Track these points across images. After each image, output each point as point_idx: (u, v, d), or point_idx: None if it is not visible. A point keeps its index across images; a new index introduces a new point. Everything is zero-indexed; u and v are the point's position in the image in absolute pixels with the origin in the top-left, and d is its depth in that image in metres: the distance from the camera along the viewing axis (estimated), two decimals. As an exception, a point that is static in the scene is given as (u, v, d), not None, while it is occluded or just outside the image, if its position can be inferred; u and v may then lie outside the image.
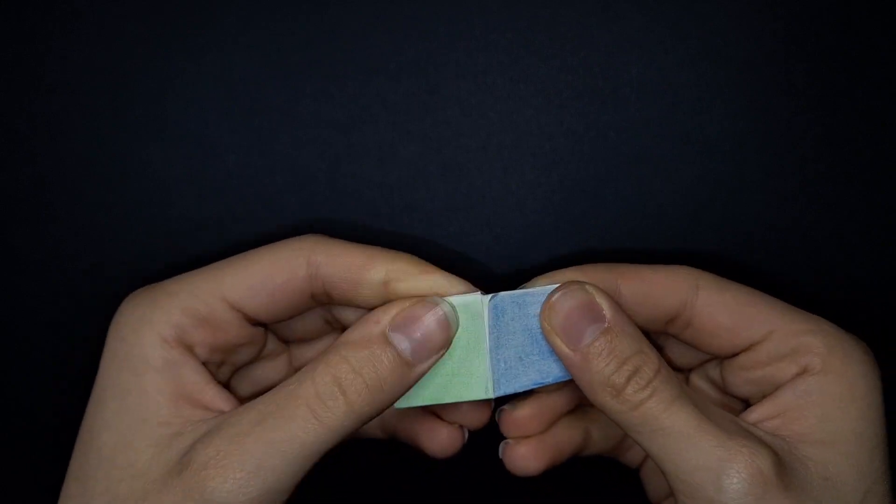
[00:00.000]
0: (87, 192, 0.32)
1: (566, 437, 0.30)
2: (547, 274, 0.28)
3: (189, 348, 0.26)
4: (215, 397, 0.26)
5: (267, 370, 0.30)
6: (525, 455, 0.29)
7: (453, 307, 0.26)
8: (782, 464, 0.24)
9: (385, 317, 0.25)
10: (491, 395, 0.26)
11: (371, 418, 0.24)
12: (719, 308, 0.27)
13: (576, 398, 0.30)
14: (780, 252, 0.32)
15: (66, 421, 0.28)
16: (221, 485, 0.23)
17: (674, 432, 0.24)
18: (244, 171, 0.31)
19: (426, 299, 0.26)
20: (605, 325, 0.25)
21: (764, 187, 0.31)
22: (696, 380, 0.30)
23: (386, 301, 0.26)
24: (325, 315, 0.30)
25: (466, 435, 0.30)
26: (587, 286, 0.26)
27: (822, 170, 0.31)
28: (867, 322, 0.32)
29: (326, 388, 0.24)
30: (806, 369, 0.26)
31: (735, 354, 0.28)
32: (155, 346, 0.26)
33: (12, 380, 0.34)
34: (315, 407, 0.24)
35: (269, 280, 0.27)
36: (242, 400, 0.27)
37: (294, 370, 0.30)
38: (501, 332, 0.27)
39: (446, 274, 0.26)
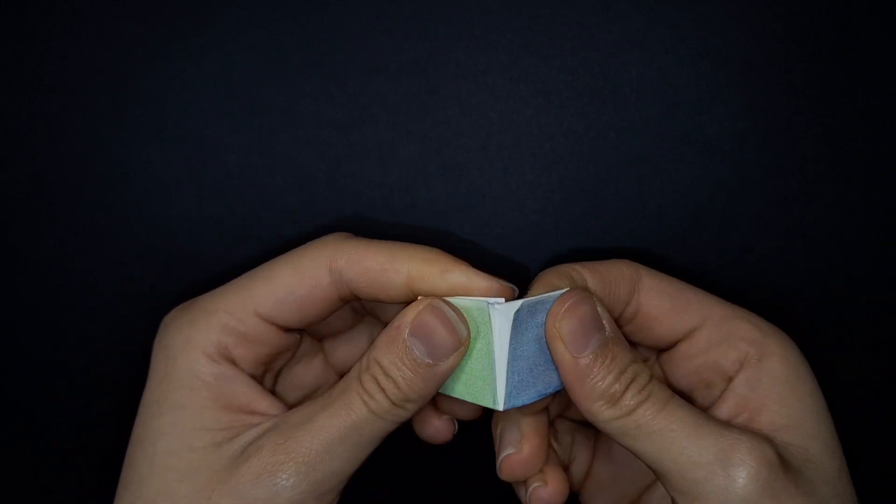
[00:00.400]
0: (87, 192, 0.32)
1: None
2: (539, 279, 0.27)
3: (234, 362, 0.28)
4: (266, 404, 0.27)
5: (305, 370, 0.31)
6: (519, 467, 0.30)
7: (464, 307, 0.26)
8: (780, 452, 0.25)
9: (404, 322, 0.26)
10: (499, 408, 0.26)
11: (418, 408, 0.27)
12: (661, 294, 0.28)
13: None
14: (780, 252, 0.32)
15: (66, 421, 0.28)
16: (291, 469, 0.25)
17: (672, 431, 0.25)
18: (244, 171, 0.31)
19: (433, 303, 0.26)
20: (607, 334, 0.26)
21: (764, 187, 0.31)
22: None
23: (411, 297, 0.27)
24: (354, 306, 0.31)
25: (456, 426, 0.30)
26: (591, 297, 0.26)
27: (822, 170, 0.31)
28: (867, 322, 0.32)
29: (370, 385, 0.26)
30: (746, 358, 0.27)
31: (675, 344, 0.29)
32: (203, 363, 0.27)
33: (12, 380, 0.34)
34: (365, 398, 0.26)
35: (294, 291, 0.27)
36: (289, 404, 0.29)
37: (330, 366, 0.32)
38: (519, 341, 0.26)
39: (467, 270, 0.27)
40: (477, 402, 0.27)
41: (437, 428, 0.30)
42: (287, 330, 0.28)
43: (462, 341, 0.26)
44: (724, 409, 0.27)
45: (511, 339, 0.26)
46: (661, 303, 0.28)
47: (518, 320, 0.26)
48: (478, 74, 0.31)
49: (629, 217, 0.31)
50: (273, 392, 0.30)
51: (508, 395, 0.26)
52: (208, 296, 0.28)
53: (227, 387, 0.27)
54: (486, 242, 0.32)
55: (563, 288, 0.27)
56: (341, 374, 0.31)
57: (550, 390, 0.27)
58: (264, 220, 0.32)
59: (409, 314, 0.26)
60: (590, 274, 0.28)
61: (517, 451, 0.29)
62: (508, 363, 0.26)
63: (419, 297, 0.27)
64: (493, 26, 0.30)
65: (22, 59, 0.31)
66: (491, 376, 0.26)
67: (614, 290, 0.28)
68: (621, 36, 0.30)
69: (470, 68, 0.30)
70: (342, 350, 0.32)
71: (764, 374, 0.27)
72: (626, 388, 0.25)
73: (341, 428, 0.26)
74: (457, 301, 0.26)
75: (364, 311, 0.31)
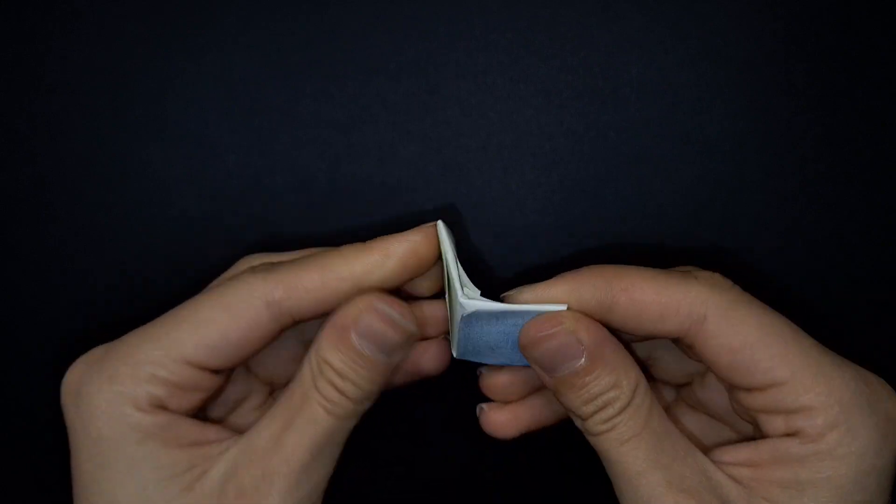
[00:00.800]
0: (87, 192, 0.32)
1: (543, 408, 0.29)
2: (541, 284, 0.26)
3: (168, 410, 0.26)
4: (215, 432, 0.26)
5: (232, 388, 0.29)
6: (499, 421, 0.29)
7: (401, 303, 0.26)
8: None
9: (347, 322, 0.25)
10: (454, 355, 0.27)
11: (378, 395, 0.26)
12: (722, 346, 0.25)
13: None
14: (780, 252, 0.32)
15: (63, 423, 0.28)
16: (277, 496, 0.25)
17: (620, 469, 0.25)
18: (244, 171, 0.31)
19: (375, 304, 0.25)
20: (580, 362, 0.25)
21: (764, 187, 0.31)
22: (699, 388, 0.29)
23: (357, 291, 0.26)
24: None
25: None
26: (567, 323, 0.25)
27: (822, 170, 0.31)
28: (867, 322, 0.32)
29: (328, 391, 0.25)
30: (798, 433, 0.24)
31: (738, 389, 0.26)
32: (139, 416, 0.25)
33: (12, 380, 0.34)
34: (327, 406, 0.25)
35: (228, 335, 0.25)
36: (231, 421, 0.28)
37: (254, 375, 0.30)
38: (474, 331, 0.26)
39: (398, 239, 0.26)
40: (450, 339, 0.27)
41: (434, 353, 0.29)
42: (220, 371, 0.27)
43: (411, 335, 0.26)
44: (735, 453, 0.25)
45: (462, 329, 0.26)
46: (721, 358, 0.25)
47: (475, 318, 0.26)
48: (478, 74, 0.31)
49: (629, 217, 0.31)
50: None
51: (462, 351, 0.27)
52: (123, 345, 0.26)
53: (172, 430, 0.25)
54: (486, 242, 0.32)
55: (558, 301, 0.26)
56: (268, 382, 0.30)
57: (516, 364, 0.27)
58: (264, 220, 0.32)
59: (351, 313, 0.25)
60: (626, 299, 0.25)
61: (490, 373, 0.29)
62: (462, 337, 0.26)
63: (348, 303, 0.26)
64: (493, 26, 0.30)
65: (22, 59, 0.31)
66: (454, 327, 0.26)
67: (653, 324, 0.25)
68: (621, 36, 0.30)
69: (470, 68, 0.30)
70: (268, 363, 0.30)
71: (796, 455, 0.24)
72: (594, 413, 0.25)
73: (313, 443, 0.25)
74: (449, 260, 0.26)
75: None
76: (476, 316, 0.26)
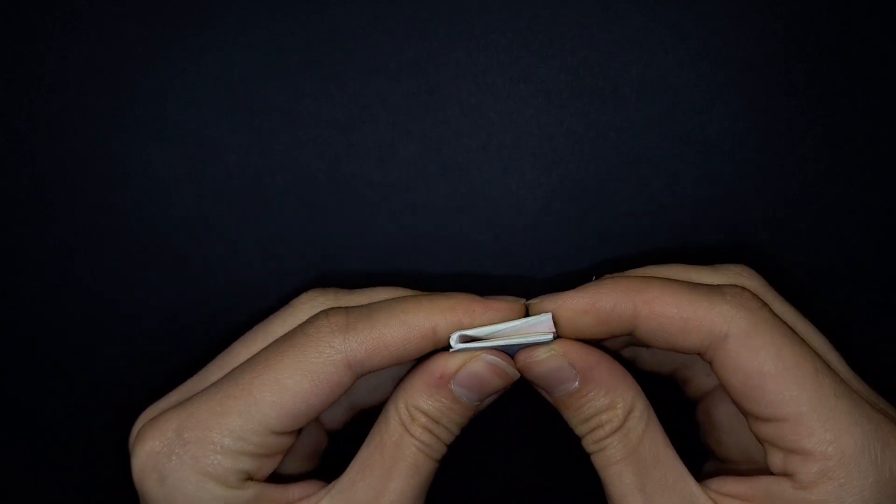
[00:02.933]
0: (87, 192, 0.32)
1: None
2: (563, 294, 0.26)
3: (253, 478, 0.26)
4: (298, 492, 0.26)
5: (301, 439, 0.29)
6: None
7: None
8: None
9: (447, 371, 0.25)
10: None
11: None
12: (738, 368, 0.24)
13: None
14: (779, 252, 0.32)
15: (65, 422, 0.28)
16: None
17: (608, 490, 0.25)
18: (244, 171, 0.31)
19: (486, 358, 0.26)
20: (575, 385, 0.25)
21: (764, 187, 0.31)
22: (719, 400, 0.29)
23: (434, 346, 0.26)
24: None
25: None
26: (555, 351, 0.25)
27: (822, 170, 0.31)
28: (867, 322, 0.32)
29: (424, 436, 0.25)
30: (793, 476, 0.24)
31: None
32: (230, 494, 0.25)
33: (12, 380, 0.34)
34: (425, 450, 0.26)
35: (310, 401, 0.25)
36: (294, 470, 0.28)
37: (322, 425, 0.30)
38: None
39: (486, 304, 0.26)
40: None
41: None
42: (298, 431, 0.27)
43: (511, 380, 0.26)
44: (732, 486, 0.25)
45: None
46: (732, 381, 0.24)
47: None
48: (478, 74, 0.31)
49: (629, 217, 0.31)
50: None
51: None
52: (201, 413, 0.25)
53: (261, 499, 0.25)
54: (486, 242, 0.32)
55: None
56: (331, 432, 0.30)
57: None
58: (264, 220, 0.32)
59: (452, 363, 0.25)
60: (647, 312, 0.25)
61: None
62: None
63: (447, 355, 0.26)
64: (493, 26, 0.30)
65: (22, 59, 0.31)
66: None
67: (671, 340, 0.25)
68: (621, 36, 0.30)
69: (470, 68, 0.30)
70: (334, 415, 0.30)
71: (788, 499, 0.24)
72: (587, 433, 0.25)
73: (415, 488, 0.25)
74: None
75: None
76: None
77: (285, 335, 0.26)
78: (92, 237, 0.32)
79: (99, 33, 0.30)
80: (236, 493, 0.25)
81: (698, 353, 0.25)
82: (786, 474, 0.24)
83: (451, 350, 0.25)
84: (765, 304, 0.25)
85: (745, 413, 0.25)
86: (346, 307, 0.26)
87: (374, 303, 0.26)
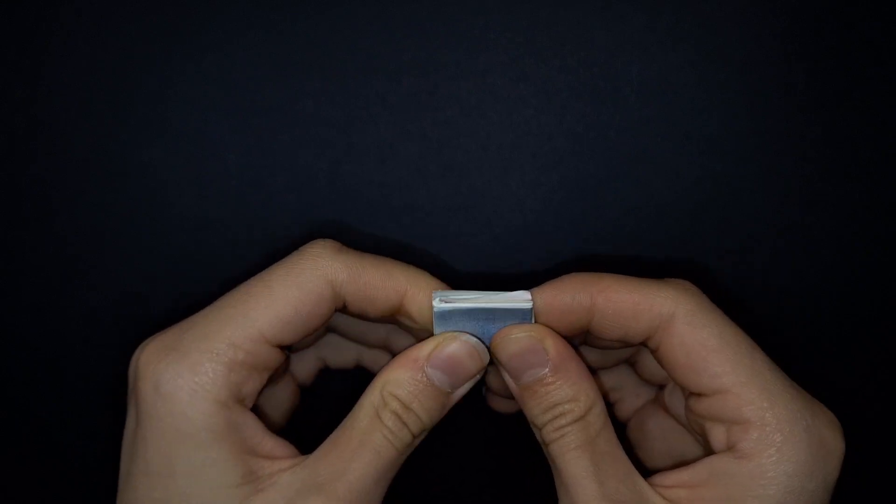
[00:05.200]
0: (87, 192, 0.32)
1: None
2: (536, 290, 0.27)
3: (242, 401, 0.26)
4: (273, 446, 0.27)
5: (281, 388, 0.31)
6: (503, 403, 0.31)
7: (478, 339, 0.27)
8: None
9: (422, 354, 0.27)
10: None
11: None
12: (682, 346, 0.26)
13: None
14: (779, 252, 0.32)
15: (65, 422, 0.28)
16: None
17: (562, 475, 0.26)
18: (244, 171, 0.31)
19: (461, 337, 0.27)
20: (545, 371, 0.26)
21: (764, 187, 0.31)
22: (669, 395, 0.30)
23: (394, 314, 0.28)
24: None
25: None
26: (534, 333, 0.26)
27: (822, 170, 0.31)
28: (867, 322, 0.32)
29: (392, 422, 0.26)
30: (733, 448, 0.25)
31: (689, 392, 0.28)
32: (216, 413, 0.25)
33: (12, 380, 0.34)
34: (391, 438, 0.26)
35: (300, 309, 0.26)
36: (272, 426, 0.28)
37: (294, 380, 0.31)
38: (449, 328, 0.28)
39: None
40: None
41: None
42: (283, 347, 0.28)
43: (483, 367, 0.27)
44: (675, 476, 0.26)
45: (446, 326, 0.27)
46: (678, 357, 0.26)
47: (445, 316, 0.27)
48: (478, 74, 0.31)
49: (629, 217, 0.31)
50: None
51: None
52: (199, 327, 0.26)
53: (239, 434, 0.26)
54: (486, 242, 0.32)
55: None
56: (302, 386, 0.32)
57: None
58: (264, 220, 0.32)
59: (426, 347, 0.27)
60: (603, 299, 0.26)
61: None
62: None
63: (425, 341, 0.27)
64: (493, 26, 0.30)
65: (22, 59, 0.31)
66: None
67: (625, 322, 0.27)
68: (621, 36, 0.30)
69: (470, 68, 0.30)
70: (305, 365, 0.32)
71: (728, 472, 0.25)
72: (548, 422, 0.26)
73: (376, 473, 0.26)
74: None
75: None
76: (450, 314, 0.27)
77: (281, 260, 0.28)
78: (92, 237, 0.32)
79: (99, 33, 0.30)
80: (222, 412, 0.25)
81: (645, 342, 0.27)
82: (727, 448, 0.26)
83: (434, 310, 0.27)
84: (703, 294, 0.27)
85: (689, 390, 0.27)
86: (343, 245, 0.28)
87: (369, 254, 0.28)
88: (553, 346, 0.26)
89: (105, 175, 0.31)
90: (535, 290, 0.27)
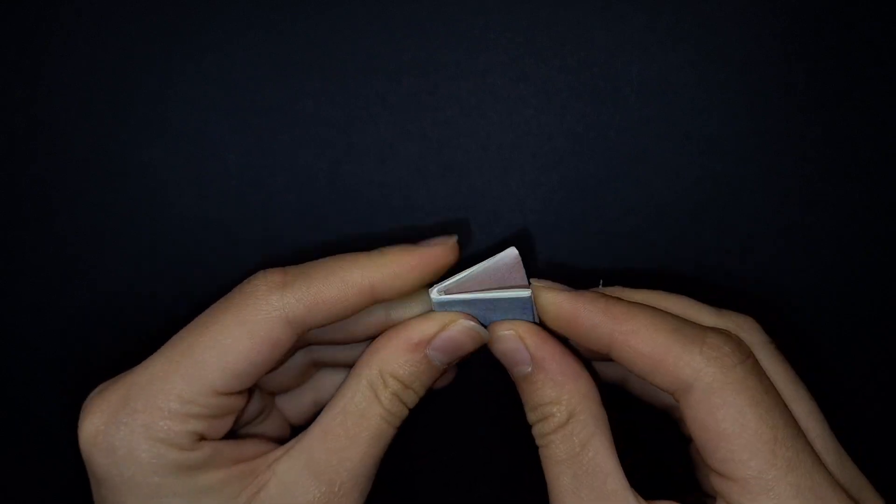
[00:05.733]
0: (87, 192, 0.32)
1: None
2: (555, 286, 0.27)
3: (210, 438, 0.26)
4: (255, 446, 0.27)
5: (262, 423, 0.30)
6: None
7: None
8: None
9: (424, 336, 0.27)
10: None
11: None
12: (695, 420, 0.24)
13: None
14: (779, 252, 0.32)
15: (65, 421, 0.28)
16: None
17: (548, 487, 0.26)
18: (244, 171, 0.31)
19: (464, 324, 0.27)
20: (529, 369, 0.26)
21: (764, 187, 0.31)
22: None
23: (368, 306, 0.26)
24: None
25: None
26: (518, 330, 0.26)
27: (822, 170, 0.31)
28: (867, 322, 0.32)
29: (391, 403, 0.26)
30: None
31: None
32: (185, 455, 0.25)
33: (12, 380, 0.34)
34: (388, 419, 0.26)
35: (254, 359, 0.25)
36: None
37: (283, 415, 0.31)
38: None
39: (424, 252, 0.27)
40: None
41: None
42: (243, 391, 0.26)
43: (482, 343, 0.27)
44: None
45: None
46: (692, 428, 0.24)
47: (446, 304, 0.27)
48: (478, 74, 0.31)
49: (629, 217, 0.31)
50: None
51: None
52: (145, 381, 0.25)
53: (216, 457, 0.25)
54: (487, 242, 0.32)
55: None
56: (280, 391, 0.30)
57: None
58: (264, 220, 0.32)
59: (429, 328, 0.27)
60: (618, 344, 0.25)
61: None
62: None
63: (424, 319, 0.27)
64: (493, 26, 0.30)
65: (22, 59, 0.31)
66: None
67: (637, 370, 0.25)
68: (621, 36, 0.30)
69: (470, 68, 0.30)
70: (296, 406, 0.31)
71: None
72: (536, 421, 0.26)
73: (376, 455, 0.26)
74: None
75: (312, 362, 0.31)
76: (450, 305, 0.27)
77: (224, 297, 0.26)
78: (92, 237, 0.32)
79: (99, 33, 0.30)
80: (190, 455, 0.24)
81: (671, 392, 0.25)
82: None
83: (433, 301, 0.27)
84: (746, 362, 0.24)
85: (702, 461, 0.25)
86: (284, 268, 0.26)
87: (313, 262, 0.26)
88: (532, 345, 0.26)
89: (105, 175, 0.31)
90: (569, 294, 0.26)
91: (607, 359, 0.26)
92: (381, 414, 0.26)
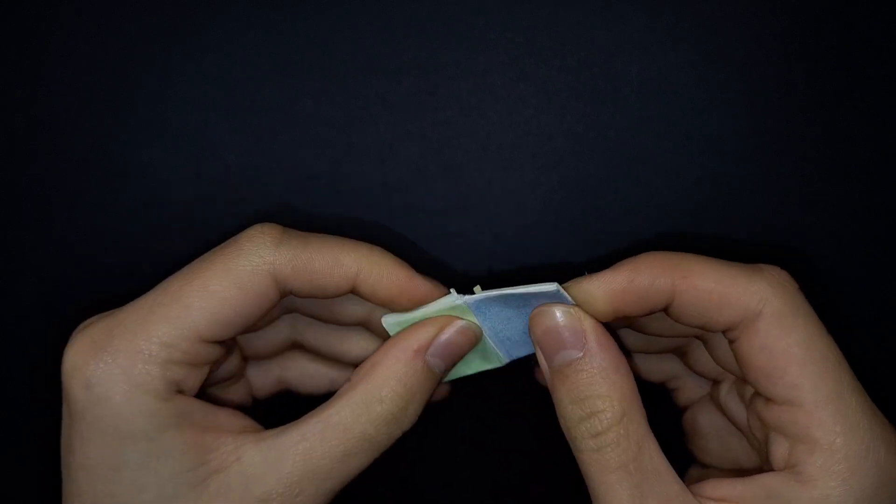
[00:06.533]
0: (87, 192, 0.32)
1: None
2: (602, 273, 0.25)
3: (183, 392, 0.25)
4: (231, 420, 0.26)
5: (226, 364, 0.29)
6: None
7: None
8: None
9: (422, 345, 0.26)
10: (505, 361, 0.28)
11: None
12: (764, 347, 0.24)
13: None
14: (779, 252, 0.32)
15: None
16: None
17: (599, 500, 0.24)
18: (244, 171, 0.31)
19: (462, 325, 0.26)
20: (579, 355, 0.24)
21: (764, 187, 0.31)
22: (725, 394, 0.29)
23: (349, 292, 0.27)
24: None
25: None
26: (574, 310, 0.25)
27: (822, 170, 0.31)
28: (867, 322, 0.32)
29: (381, 426, 0.25)
30: (795, 469, 0.24)
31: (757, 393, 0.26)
32: (156, 408, 0.24)
33: (12, 380, 0.34)
34: (370, 439, 0.25)
35: (240, 310, 0.25)
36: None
37: (241, 353, 0.30)
38: (495, 321, 0.27)
39: (409, 272, 0.27)
40: (481, 370, 0.28)
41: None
42: (223, 342, 0.26)
43: (477, 340, 0.27)
44: (729, 488, 0.24)
45: (482, 322, 0.27)
46: (755, 360, 0.24)
47: (482, 309, 0.27)
48: (478, 74, 0.31)
49: (629, 217, 0.31)
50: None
51: (508, 352, 0.28)
52: (131, 323, 0.24)
53: (188, 417, 0.25)
54: (486, 242, 0.32)
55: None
56: (255, 357, 0.30)
57: None
58: (264, 220, 0.32)
59: (426, 333, 0.26)
60: (686, 284, 0.24)
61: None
62: (489, 337, 0.27)
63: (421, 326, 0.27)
64: (493, 26, 0.30)
65: (22, 59, 0.31)
66: (489, 344, 0.28)
67: (706, 312, 0.24)
68: (621, 36, 0.30)
69: (470, 68, 0.30)
70: (259, 343, 0.30)
71: (789, 498, 0.23)
72: (580, 421, 0.24)
73: (349, 472, 0.25)
74: (430, 308, 0.27)
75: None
76: (481, 307, 0.26)
77: (220, 245, 0.26)
78: (92, 237, 0.32)
79: (99, 33, 0.30)
80: (163, 405, 0.24)
81: (726, 331, 0.25)
82: (788, 467, 0.24)
83: (450, 305, 0.26)
84: (800, 290, 0.25)
85: (761, 394, 0.25)
86: (285, 227, 0.26)
87: (314, 233, 0.27)
88: (593, 329, 0.24)
89: (105, 175, 0.31)
90: (609, 272, 0.25)
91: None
92: (363, 434, 0.25)
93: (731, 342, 0.25)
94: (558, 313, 0.25)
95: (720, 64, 0.30)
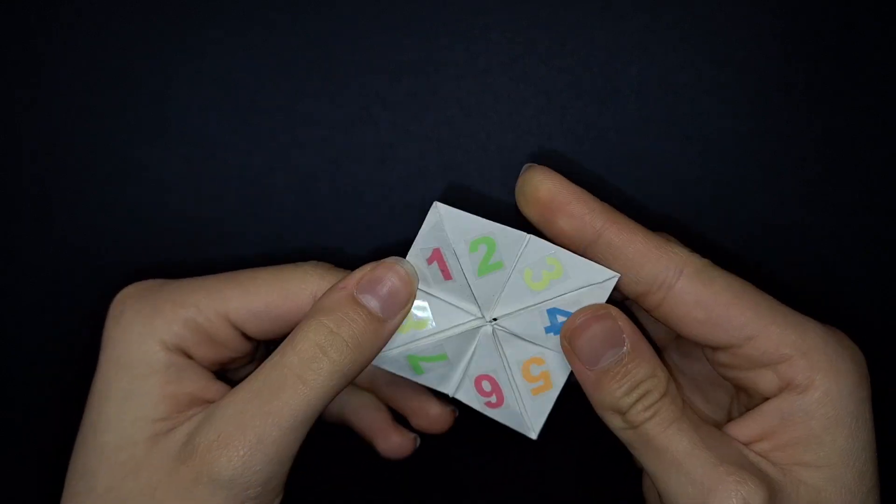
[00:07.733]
0: (87, 192, 0.32)
1: None
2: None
3: (189, 356, 0.27)
4: (218, 393, 0.27)
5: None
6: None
7: (412, 266, 0.27)
8: (773, 493, 0.24)
9: (350, 282, 0.26)
10: (451, 395, 0.28)
11: (354, 376, 0.26)
12: (697, 302, 0.25)
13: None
14: (779, 252, 0.32)
15: (66, 420, 0.28)
16: (227, 463, 0.24)
17: (667, 455, 0.25)
18: (244, 171, 0.31)
19: (385, 261, 0.27)
20: (625, 349, 0.25)
21: (764, 187, 0.31)
22: (674, 355, 0.30)
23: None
24: None
25: (418, 442, 0.31)
26: (611, 310, 0.26)
27: (822, 170, 0.31)
28: (868, 322, 0.32)
29: (309, 352, 0.25)
30: (789, 385, 0.25)
31: (712, 348, 0.27)
32: (158, 352, 0.27)
33: (12, 380, 0.34)
34: (301, 373, 0.25)
35: (273, 308, 0.27)
36: None
37: None
38: (479, 359, 0.28)
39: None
40: (428, 385, 0.28)
41: (398, 443, 0.31)
42: (251, 338, 0.28)
43: (413, 296, 0.27)
44: (743, 428, 0.26)
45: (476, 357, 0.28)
46: (694, 313, 0.26)
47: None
48: (478, 74, 0.31)
49: (629, 217, 0.31)
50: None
51: (464, 391, 0.28)
52: (178, 285, 0.28)
53: (177, 376, 0.27)
54: (486, 242, 0.32)
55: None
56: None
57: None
58: (264, 220, 0.32)
59: (356, 273, 0.26)
60: (611, 236, 0.26)
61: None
62: (463, 368, 0.28)
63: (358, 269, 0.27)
64: (493, 26, 0.30)
65: (22, 59, 0.31)
66: (457, 374, 0.28)
67: (630, 264, 0.26)
68: (621, 36, 0.30)
69: (470, 68, 0.30)
70: None
71: (800, 408, 0.25)
72: (635, 402, 0.25)
73: (278, 412, 0.24)
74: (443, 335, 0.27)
75: None
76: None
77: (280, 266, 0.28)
78: (92, 237, 0.32)
79: (99, 33, 0.31)
80: (162, 354, 0.27)
81: (645, 294, 0.26)
82: (783, 388, 0.25)
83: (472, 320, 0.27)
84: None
85: (714, 345, 0.26)
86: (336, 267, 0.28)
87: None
88: (627, 323, 0.26)
89: (105, 175, 0.31)
90: (548, 176, 0.26)
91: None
92: (296, 360, 0.25)
93: (654, 309, 0.26)
94: (601, 323, 0.26)
95: (720, 64, 0.30)
